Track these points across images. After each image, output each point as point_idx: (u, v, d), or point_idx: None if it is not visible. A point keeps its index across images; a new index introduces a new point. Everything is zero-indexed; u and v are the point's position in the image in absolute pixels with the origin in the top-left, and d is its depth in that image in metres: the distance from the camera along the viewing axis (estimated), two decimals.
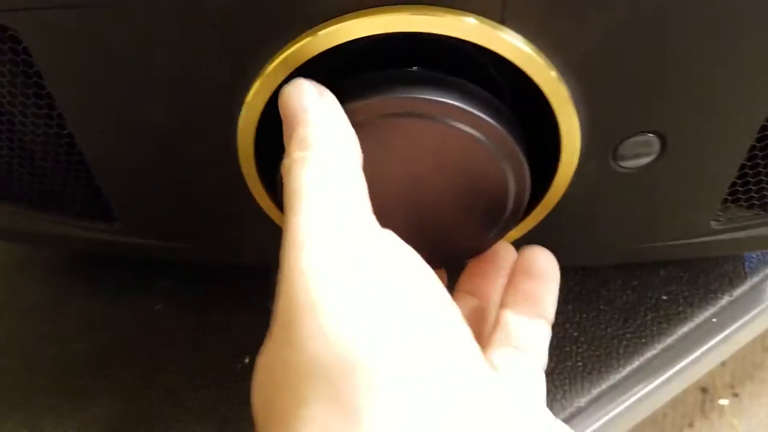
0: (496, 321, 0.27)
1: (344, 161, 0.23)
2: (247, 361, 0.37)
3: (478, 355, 0.20)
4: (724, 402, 0.76)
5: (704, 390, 0.77)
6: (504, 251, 0.30)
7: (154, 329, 0.39)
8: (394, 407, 0.17)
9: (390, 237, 0.22)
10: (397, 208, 0.28)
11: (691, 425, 0.75)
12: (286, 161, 0.23)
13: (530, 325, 0.27)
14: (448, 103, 0.24)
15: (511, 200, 0.27)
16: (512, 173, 0.26)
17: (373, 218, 0.22)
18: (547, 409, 0.22)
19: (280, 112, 0.24)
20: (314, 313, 0.19)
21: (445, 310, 0.21)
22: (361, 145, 0.24)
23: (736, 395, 0.77)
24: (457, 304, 0.23)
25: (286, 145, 0.23)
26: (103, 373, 0.38)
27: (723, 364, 0.77)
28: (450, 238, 0.29)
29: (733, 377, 0.81)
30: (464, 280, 0.30)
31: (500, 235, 0.29)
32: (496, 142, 0.25)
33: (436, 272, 0.30)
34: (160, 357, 0.38)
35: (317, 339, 0.19)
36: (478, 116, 0.24)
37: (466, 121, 0.25)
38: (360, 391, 0.18)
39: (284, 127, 0.24)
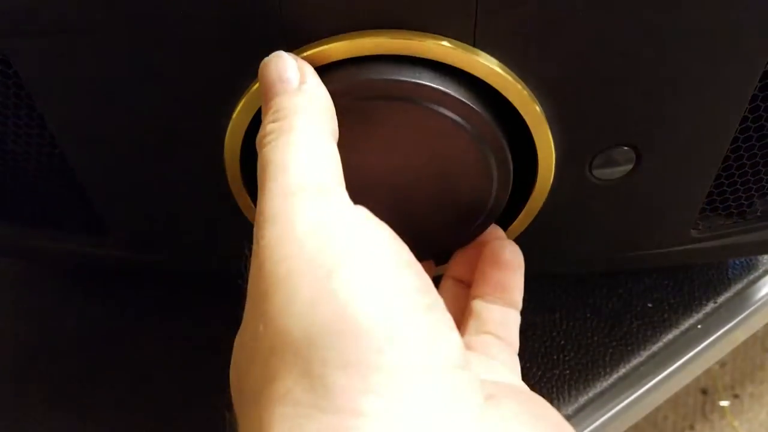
0: (469, 309, 0.28)
1: (318, 134, 0.22)
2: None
3: (451, 342, 0.20)
4: (724, 403, 0.76)
5: (705, 392, 0.77)
6: (492, 233, 0.30)
7: (149, 345, 0.40)
8: (364, 382, 0.17)
9: (362, 212, 0.21)
10: (380, 196, 0.28)
11: (692, 427, 0.75)
12: (260, 134, 0.22)
13: (501, 312, 0.28)
14: (431, 87, 0.24)
15: (494, 188, 0.27)
16: (494, 159, 0.26)
17: (345, 193, 0.21)
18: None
19: (259, 83, 0.23)
20: (283, 287, 0.18)
21: (419, 285, 0.20)
22: (343, 131, 0.24)
23: (736, 396, 0.77)
24: (444, 289, 0.24)
25: (262, 117, 0.23)
26: (96, 388, 0.38)
27: (723, 365, 0.78)
28: (433, 228, 0.29)
29: (734, 379, 0.81)
30: (452, 266, 0.31)
31: (484, 227, 0.29)
32: (478, 127, 0.25)
33: (424, 263, 0.31)
34: (155, 373, 0.39)
35: (286, 313, 0.18)
36: (460, 100, 0.24)
37: (447, 105, 0.25)
38: (329, 365, 0.17)
39: (262, 99, 0.23)
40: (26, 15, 0.25)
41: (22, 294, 0.44)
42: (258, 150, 0.22)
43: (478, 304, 0.28)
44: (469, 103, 0.25)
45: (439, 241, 0.30)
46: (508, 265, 0.28)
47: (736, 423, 0.76)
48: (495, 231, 0.30)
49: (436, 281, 0.31)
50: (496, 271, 0.28)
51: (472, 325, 0.27)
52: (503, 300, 0.28)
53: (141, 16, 0.24)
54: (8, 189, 0.33)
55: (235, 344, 0.20)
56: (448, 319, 0.20)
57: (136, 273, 0.36)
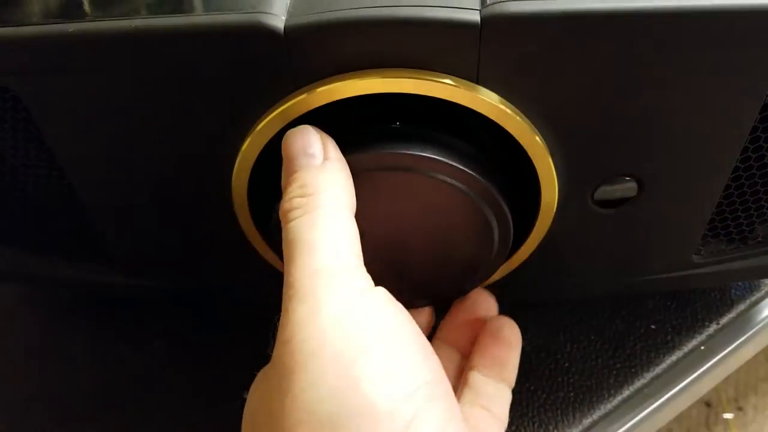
0: (465, 379, 0.29)
1: (340, 211, 0.23)
2: (245, 396, 0.38)
3: (456, 411, 0.22)
4: (728, 416, 0.76)
5: (708, 404, 0.77)
6: (484, 306, 0.32)
7: (153, 365, 0.40)
8: None
9: (382, 296, 0.23)
10: (385, 251, 0.29)
11: None
12: (285, 204, 0.23)
13: (495, 387, 0.29)
14: (431, 158, 0.25)
15: (495, 245, 0.28)
16: (495, 220, 0.27)
17: (365, 273, 0.23)
18: None
19: (283, 153, 0.25)
20: (310, 368, 0.20)
21: (434, 375, 0.22)
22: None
23: (740, 409, 0.77)
24: (435, 348, 0.25)
25: (284, 187, 0.24)
26: (103, 409, 0.38)
27: (727, 378, 0.78)
28: (437, 279, 0.30)
29: (737, 391, 0.81)
30: (444, 329, 0.32)
31: (486, 277, 0.30)
32: (479, 191, 0.26)
33: (424, 311, 0.32)
34: (162, 392, 0.39)
35: (313, 396, 0.20)
36: (460, 168, 0.26)
37: (448, 173, 0.26)
38: None
39: (284, 169, 0.25)
40: (35, 55, 0.25)
41: (30, 318, 0.45)
42: (283, 222, 0.23)
43: (474, 376, 0.29)
44: (468, 169, 0.26)
45: (441, 290, 0.31)
46: (506, 341, 0.30)
47: None
48: (487, 301, 0.32)
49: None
50: (494, 346, 0.30)
51: (466, 395, 0.29)
52: (499, 376, 0.29)
53: (149, 57, 0.24)
54: (16, 216, 0.34)
55: (251, 403, 0.22)
56: (456, 407, 0.22)
57: (142, 300, 0.37)
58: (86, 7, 0.26)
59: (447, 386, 0.22)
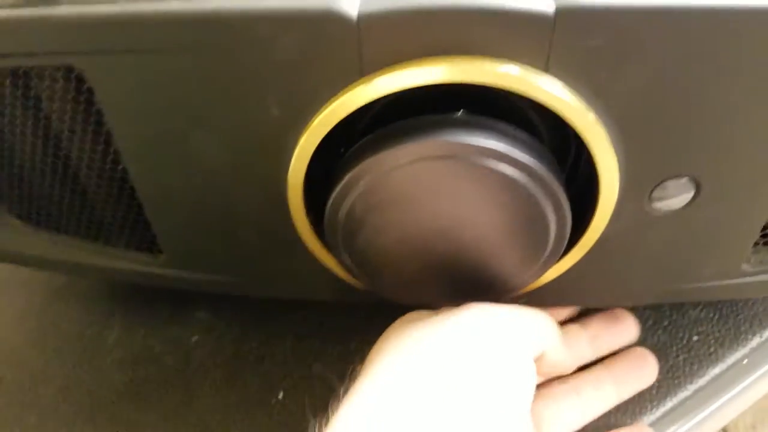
0: None
1: None
2: (281, 396, 0.37)
3: None
4: None
5: (725, 431, 0.76)
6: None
7: (190, 361, 0.40)
8: None
9: None
10: (439, 243, 0.29)
11: None
12: None
13: None
14: (490, 148, 0.25)
15: (551, 240, 0.28)
16: (553, 213, 0.27)
17: None
18: None
19: None
20: None
21: None
22: (407, 185, 0.26)
23: None
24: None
25: None
26: (139, 405, 0.38)
27: None
28: (490, 275, 0.30)
29: (755, 417, 0.80)
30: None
31: (539, 273, 0.30)
32: (537, 183, 0.26)
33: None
34: (195, 389, 0.39)
35: None
36: (519, 159, 0.26)
37: (506, 163, 0.26)
38: None
39: None
40: (105, 35, 0.25)
41: (65, 312, 0.45)
42: None
43: None
44: (527, 160, 0.26)
45: (493, 286, 0.31)
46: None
47: None
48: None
49: None
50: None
51: None
52: None
53: (215, 39, 0.25)
54: (66, 202, 0.34)
55: None
56: None
57: (183, 291, 0.36)
58: None
59: None
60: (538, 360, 0.30)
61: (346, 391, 0.27)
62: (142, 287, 0.42)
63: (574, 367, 0.33)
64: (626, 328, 0.37)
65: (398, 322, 0.30)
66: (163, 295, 0.43)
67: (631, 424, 0.35)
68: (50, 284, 0.46)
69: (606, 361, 0.36)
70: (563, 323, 0.36)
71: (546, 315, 0.31)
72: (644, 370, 0.36)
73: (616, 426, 0.35)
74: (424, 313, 0.31)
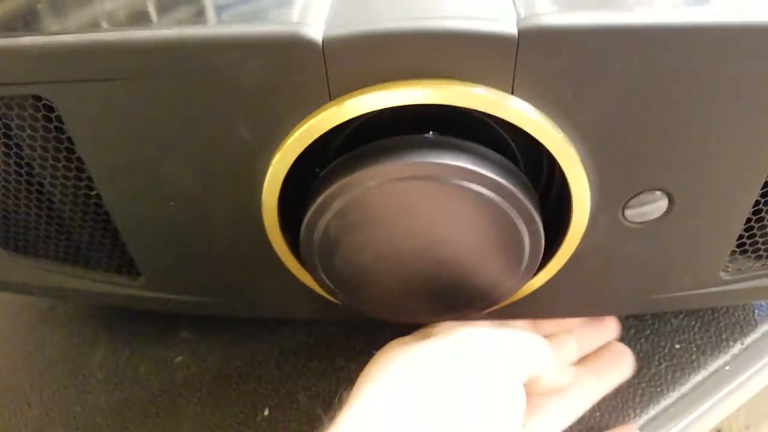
0: None
1: None
2: (266, 413, 0.37)
3: None
4: None
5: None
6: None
7: (175, 381, 0.40)
8: None
9: None
10: (415, 262, 0.29)
11: None
12: None
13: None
14: (459, 166, 0.25)
15: (526, 254, 0.28)
16: (526, 228, 0.27)
17: None
18: None
19: None
20: None
21: None
22: (381, 205, 0.26)
23: None
24: None
25: None
26: (125, 426, 0.38)
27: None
28: (468, 290, 0.30)
29: (748, 418, 0.80)
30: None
31: (518, 287, 0.30)
32: (507, 199, 0.26)
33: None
34: (181, 409, 0.38)
35: None
36: (488, 176, 0.26)
37: (476, 181, 0.26)
38: None
39: None
40: (71, 64, 0.25)
41: (50, 334, 0.44)
42: None
43: None
44: (498, 178, 0.26)
45: (470, 300, 0.31)
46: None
47: None
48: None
49: None
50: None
51: None
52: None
53: (179, 66, 0.25)
54: (42, 227, 0.34)
55: None
56: None
57: (165, 312, 0.36)
58: (122, 17, 0.26)
59: None
60: (534, 382, 0.30)
61: (332, 419, 0.27)
62: (126, 308, 0.42)
63: (568, 382, 0.33)
64: (608, 326, 0.37)
65: (386, 347, 0.30)
66: (147, 316, 0.42)
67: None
68: (35, 307, 0.46)
69: (585, 360, 0.36)
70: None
71: (538, 338, 0.31)
72: (621, 364, 0.36)
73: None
74: (410, 338, 0.31)
